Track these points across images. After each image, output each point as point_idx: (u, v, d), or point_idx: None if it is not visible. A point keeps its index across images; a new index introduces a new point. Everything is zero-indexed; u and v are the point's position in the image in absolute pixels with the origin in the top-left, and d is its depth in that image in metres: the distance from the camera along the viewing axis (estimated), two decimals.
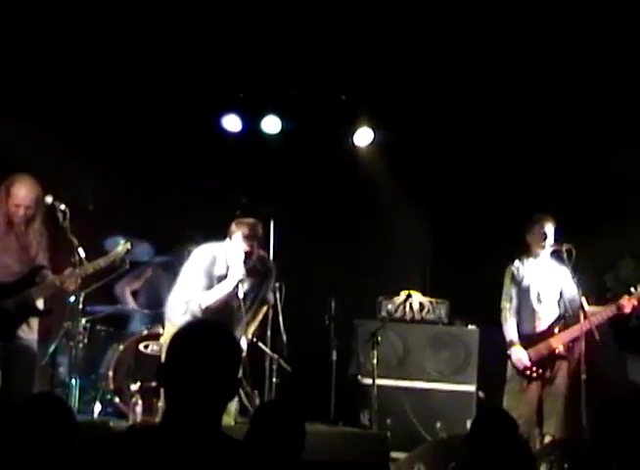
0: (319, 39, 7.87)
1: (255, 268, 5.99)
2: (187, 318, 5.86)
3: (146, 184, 8.30)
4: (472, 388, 7.72)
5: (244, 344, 6.09)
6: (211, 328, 2.46)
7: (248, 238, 5.79)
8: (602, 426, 3.97)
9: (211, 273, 5.87)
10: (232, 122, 8.77)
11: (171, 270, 7.78)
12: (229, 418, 6.08)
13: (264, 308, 6.42)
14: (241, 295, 5.91)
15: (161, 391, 5.75)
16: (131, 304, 8.02)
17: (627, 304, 6.54)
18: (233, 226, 5.86)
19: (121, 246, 6.36)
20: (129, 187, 8.11)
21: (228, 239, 5.86)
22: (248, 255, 5.82)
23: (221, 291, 5.84)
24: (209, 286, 5.90)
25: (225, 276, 5.89)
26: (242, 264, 5.84)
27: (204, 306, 5.85)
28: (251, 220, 5.93)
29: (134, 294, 8.05)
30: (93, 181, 7.84)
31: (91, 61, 7.81)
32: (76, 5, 7.33)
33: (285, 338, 7.17)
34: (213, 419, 2.36)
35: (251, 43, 7.93)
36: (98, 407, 7.06)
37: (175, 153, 8.55)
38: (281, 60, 8.18)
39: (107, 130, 8.20)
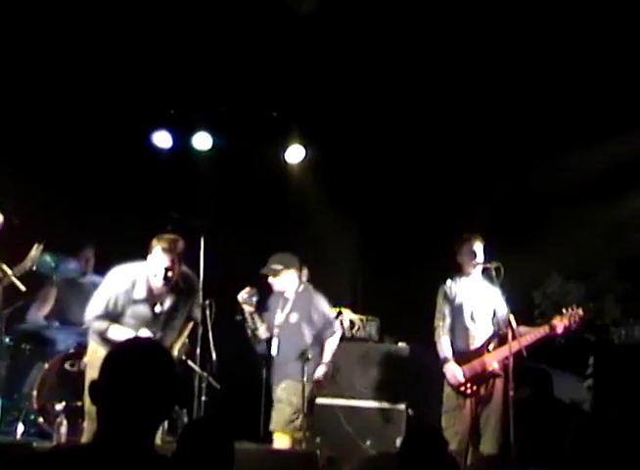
0: (250, 55, 7.86)
1: (178, 286, 5.91)
2: (95, 336, 5.80)
3: (75, 200, 8.18)
4: (402, 406, 7.74)
5: None
6: (147, 347, 2.42)
7: (167, 251, 5.69)
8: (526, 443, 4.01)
9: (131, 297, 5.76)
10: (163, 139, 8.70)
11: (75, 284, 7.69)
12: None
13: (190, 326, 6.33)
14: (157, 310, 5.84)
15: (87, 409, 5.71)
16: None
17: (559, 324, 6.63)
18: (153, 241, 5.78)
19: (34, 250, 6.31)
20: (58, 204, 7.97)
21: (149, 254, 5.78)
22: (168, 270, 5.73)
23: (126, 336, 5.68)
24: (122, 310, 5.76)
25: (145, 299, 5.79)
26: (162, 281, 5.74)
27: (107, 337, 5.73)
28: (171, 236, 5.86)
29: (47, 317, 7.89)
30: (20, 197, 7.68)
31: (17, 75, 7.68)
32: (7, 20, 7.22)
33: (214, 355, 7.10)
34: (147, 438, 2.32)
35: (181, 59, 7.90)
36: (21, 428, 6.92)
37: (106, 169, 8.45)
38: (212, 76, 8.16)
39: (36, 145, 8.07)
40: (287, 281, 6.98)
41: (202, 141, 8.77)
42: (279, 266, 6.94)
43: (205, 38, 7.64)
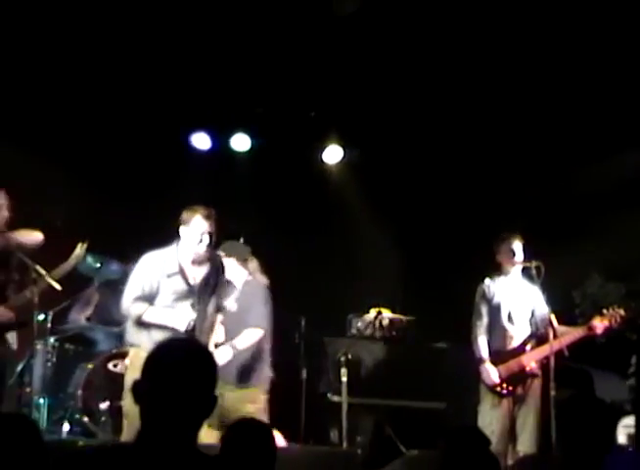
0: (288, 56, 7.90)
1: (207, 258, 6.00)
2: (133, 326, 5.85)
3: (116, 202, 8.27)
4: (441, 405, 7.74)
5: None
6: (188, 346, 2.46)
7: (206, 217, 5.81)
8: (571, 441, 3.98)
9: (164, 272, 5.86)
10: (201, 140, 8.77)
11: (117, 286, 7.76)
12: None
13: (219, 316, 6.38)
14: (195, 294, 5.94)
15: (125, 410, 5.76)
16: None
17: (599, 325, 6.57)
18: (187, 213, 5.86)
19: (78, 248, 6.39)
20: (99, 205, 8.06)
21: (183, 227, 5.85)
22: (210, 235, 5.83)
23: (167, 321, 5.73)
24: (158, 288, 5.84)
25: (178, 272, 5.87)
26: (205, 247, 5.83)
27: (145, 320, 5.78)
28: (203, 205, 5.97)
29: (89, 319, 7.97)
30: (62, 198, 7.80)
31: (62, 77, 7.79)
32: (43, 20, 7.31)
33: None
34: (189, 437, 2.36)
35: (220, 61, 7.95)
36: (67, 427, 7.01)
37: (145, 171, 8.53)
38: (250, 77, 8.20)
39: (78, 148, 8.17)
40: (228, 269, 6.75)
41: (240, 142, 8.83)
42: (221, 254, 6.87)
43: (244, 39, 7.68)
